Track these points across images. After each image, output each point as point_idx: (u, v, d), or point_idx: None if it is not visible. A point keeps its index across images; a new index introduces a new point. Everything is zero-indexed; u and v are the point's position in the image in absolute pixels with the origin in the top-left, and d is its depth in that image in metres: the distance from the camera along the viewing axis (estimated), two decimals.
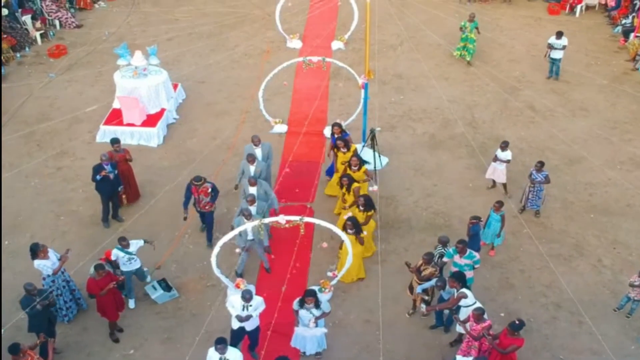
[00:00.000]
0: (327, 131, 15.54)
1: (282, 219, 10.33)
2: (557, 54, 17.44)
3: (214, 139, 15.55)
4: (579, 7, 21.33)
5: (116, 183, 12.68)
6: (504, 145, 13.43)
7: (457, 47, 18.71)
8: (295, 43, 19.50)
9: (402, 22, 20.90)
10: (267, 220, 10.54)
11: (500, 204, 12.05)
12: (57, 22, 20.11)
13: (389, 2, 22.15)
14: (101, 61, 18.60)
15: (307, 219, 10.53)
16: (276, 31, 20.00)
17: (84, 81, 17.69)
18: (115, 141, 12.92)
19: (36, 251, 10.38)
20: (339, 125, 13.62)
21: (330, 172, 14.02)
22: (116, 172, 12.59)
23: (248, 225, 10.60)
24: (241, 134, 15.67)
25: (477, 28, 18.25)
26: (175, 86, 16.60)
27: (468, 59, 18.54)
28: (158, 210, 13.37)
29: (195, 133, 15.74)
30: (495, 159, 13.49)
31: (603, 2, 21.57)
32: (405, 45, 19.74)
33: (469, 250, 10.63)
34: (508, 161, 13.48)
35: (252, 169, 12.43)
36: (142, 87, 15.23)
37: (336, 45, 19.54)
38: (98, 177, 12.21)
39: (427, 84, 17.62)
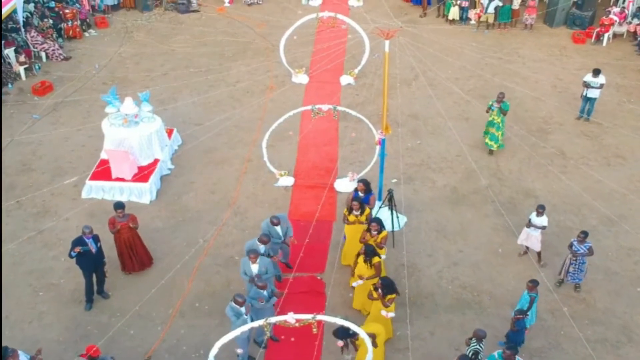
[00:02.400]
0: (341, 185, 14.05)
1: (291, 318, 8.83)
2: (593, 93, 15.89)
3: (212, 194, 14.02)
4: (605, 35, 19.80)
5: (99, 256, 11.16)
6: (541, 210, 11.90)
7: (485, 131, 15.33)
8: (301, 78, 17.98)
9: (416, 53, 19.37)
10: (274, 319, 9.01)
11: (534, 283, 10.55)
12: (43, 55, 18.59)
13: (401, 32, 20.60)
14: (90, 99, 17.07)
15: (320, 317, 9.02)
16: (280, 63, 18.52)
17: (71, 123, 16.16)
18: (119, 206, 11.34)
19: (6, 356, 8.90)
20: (366, 183, 12.12)
21: None
22: (99, 244, 11.08)
23: (252, 325, 9.08)
24: (242, 188, 14.15)
25: (504, 112, 14.74)
26: (170, 132, 15.08)
27: (493, 147, 15.03)
28: (149, 283, 11.85)
29: (192, 186, 14.21)
30: (529, 224, 11.97)
31: (632, 30, 20.03)
32: (420, 80, 18.21)
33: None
34: (544, 227, 11.96)
35: (262, 248, 10.86)
36: (133, 137, 13.71)
37: (346, 80, 18.03)
38: (72, 253, 10.71)
39: (446, 126, 16.08)
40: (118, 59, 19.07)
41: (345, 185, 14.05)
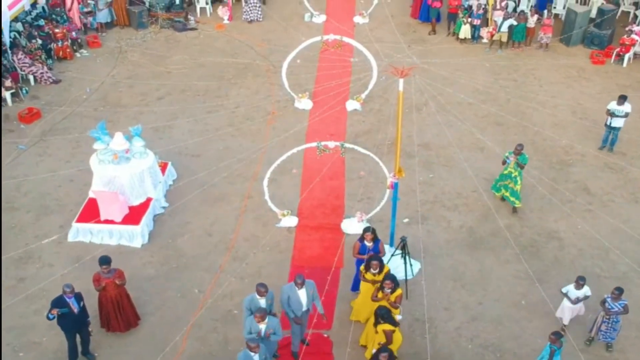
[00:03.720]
0: (349, 226, 13.00)
1: None
2: (618, 122, 14.81)
3: (209, 236, 12.97)
4: (626, 56, 18.72)
5: (82, 316, 10.10)
6: (582, 282, 10.67)
7: (495, 184, 13.72)
8: (304, 103, 16.92)
9: (425, 74, 18.30)
10: None
11: (557, 335, 9.57)
12: (31, 78, 17.53)
13: (407, 48, 19.58)
14: (80, 127, 16.02)
15: None
16: (283, 86, 17.48)
17: (59, 155, 15.12)
18: (104, 261, 10.23)
19: None
20: (372, 231, 11.05)
21: (355, 286, 11.45)
22: (82, 303, 10.02)
23: None
24: (242, 229, 13.11)
25: (522, 165, 12.99)
26: (164, 166, 14.03)
27: (516, 204, 13.35)
28: (139, 342, 10.81)
29: (188, 227, 13.16)
30: (571, 300, 10.73)
31: None
32: (431, 105, 17.13)
33: None
34: (587, 297, 10.85)
35: (262, 301, 9.77)
36: (124, 175, 12.67)
37: (352, 105, 16.95)
38: (50, 316, 9.67)
39: (460, 157, 15.00)
40: (111, 81, 18.01)
41: (354, 226, 12.99)
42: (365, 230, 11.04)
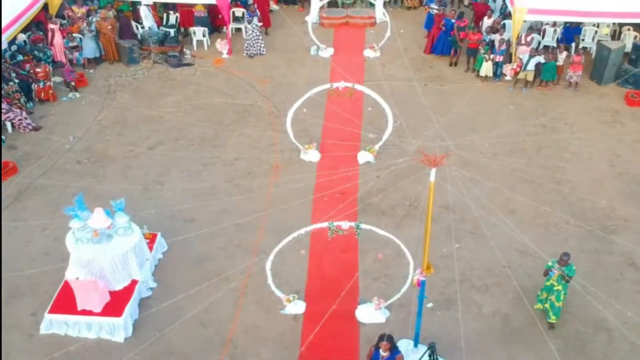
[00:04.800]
0: (364, 314, 11.25)
1: None
2: None
3: (203, 327, 11.22)
4: None
5: None
6: None
7: (539, 297, 11.34)
8: (311, 155, 15.18)
9: (443, 120, 16.61)
10: None
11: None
12: (8, 125, 15.82)
13: (421, 90, 17.82)
14: (61, 184, 14.31)
15: None
16: (287, 133, 15.81)
17: (35, 220, 13.37)
18: None
19: None
20: (389, 339, 9.31)
21: None
22: None
23: None
24: (241, 316, 11.38)
25: (567, 278, 10.72)
26: (153, 238, 12.30)
27: (551, 319, 11.12)
28: None
29: (178, 314, 11.35)
30: None
31: None
32: (452, 156, 15.40)
33: None
34: None
35: None
36: (105, 257, 10.94)
37: (364, 157, 15.20)
38: None
39: (489, 222, 13.22)
40: (97, 127, 16.29)
41: (370, 314, 11.25)
42: (380, 339, 9.30)
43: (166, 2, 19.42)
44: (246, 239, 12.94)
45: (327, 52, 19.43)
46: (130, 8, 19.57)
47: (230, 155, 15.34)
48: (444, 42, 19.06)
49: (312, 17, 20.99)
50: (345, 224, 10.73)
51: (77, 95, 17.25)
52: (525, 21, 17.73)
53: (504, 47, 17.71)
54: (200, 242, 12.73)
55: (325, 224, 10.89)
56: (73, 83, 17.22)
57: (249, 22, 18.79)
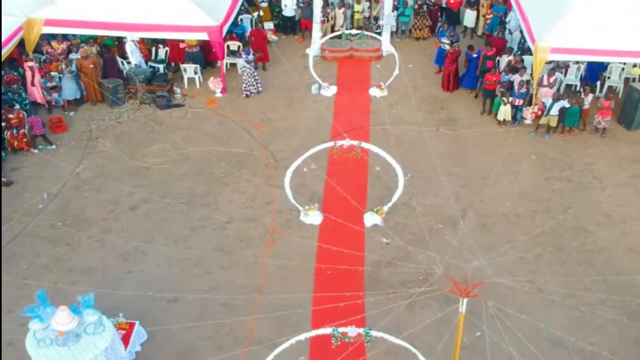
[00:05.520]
0: None
1: None
2: None
3: None
4: None
5: None
6: None
7: None
8: (312, 217, 13.58)
9: (458, 172, 15.01)
10: None
11: None
12: None
13: (433, 136, 16.20)
14: (30, 252, 12.75)
15: None
16: (284, 190, 14.29)
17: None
18: None
19: None
20: None
21: None
22: None
23: None
24: None
25: None
26: (129, 329, 10.67)
27: None
28: None
29: None
30: None
31: None
32: (470, 217, 13.80)
33: None
34: None
35: None
36: None
37: (371, 219, 13.58)
38: None
39: (515, 302, 11.63)
40: (75, 182, 14.67)
41: None
42: None
43: (154, 37, 17.80)
44: (237, 325, 11.31)
45: (330, 91, 17.81)
46: (116, 42, 17.97)
47: (222, 217, 13.72)
48: (472, 76, 17.48)
49: (314, 49, 19.40)
50: (352, 330, 9.12)
51: (50, 147, 15.57)
52: (548, 63, 16.12)
53: (524, 89, 16.09)
54: (184, 331, 11.13)
55: (328, 330, 9.27)
56: (42, 136, 15.48)
57: (248, 62, 17.20)
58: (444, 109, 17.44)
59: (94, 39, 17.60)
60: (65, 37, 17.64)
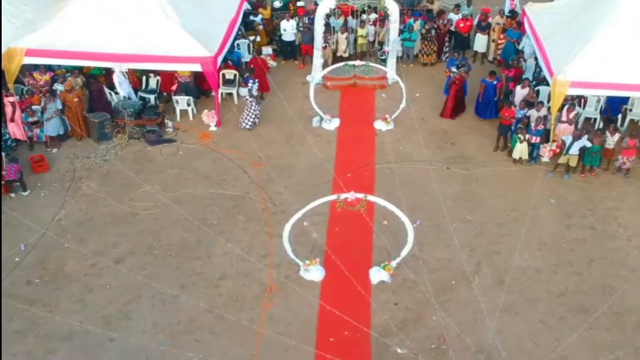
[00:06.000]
0: None
1: None
2: None
3: None
4: None
5: None
6: None
7: None
8: (313, 273, 12.42)
9: (471, 218, 13.87)
10: None
11: None
12: None
13: (443, 176, 15.06)
14: (5, 314, 11.55)
15: None
16: (283, 238, 13.17)
17: None
18: None
19: None
20: None
21: None
22: None
23: None
24: None
25: None
26: None
27: None
28: None
29: None
30: None
31: None
32: (485, 272, 12.64)
33: None
34: None
35: None
36: None
37: (378, 276, 12.41)
38: None
39: None
40: (56, 230, 13.50)
41: None
42: None
43: (144, 68, 16.67)
44: None
45: (332, 124, 16.66)
46: (103, 72, 16.82)
47: (215, 273, 12.57)
48: (493, 105, 16.38)
49: (315, 77, 18.26)
50: None
51: (24, 193, 14.38)
52: (568, 99, 14.98)
53: (541, 127, 14.94)
54: None
55: None
56: (18, 180, 14.29)
57: (252, 96, 16.14)
58: (455, 144, 16.29)
59: (79, 70, 16.46)
60: (49, 67, 16.48)
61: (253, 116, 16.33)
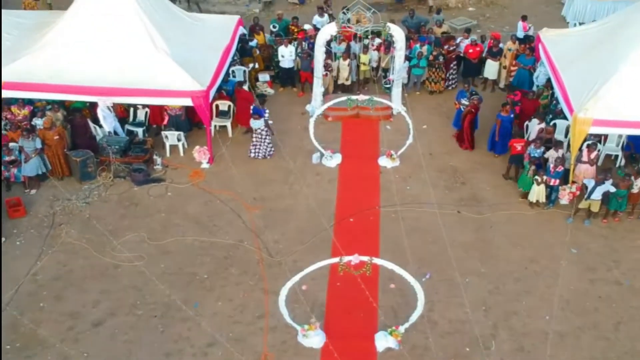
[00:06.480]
0: None
1: None
2: None
3: None
4: None
5: None
6: None
7: None
8: (312, 339, 11.21)
9: (485, 271, 12.70)
10: None
11: None
12: None
13: (453, 220, 13.91)
14: None
15: None
16: (278, 294, 12.00)
17: None
18: None
19: None
20: None
21: None
22: None
23: None
24: None
25: None
26: None
27: None
28: None
29: None
30: None
31: None
32: (503, 336, 11.43)
33: None
34: None
35: None
36: None
37: (384, 342, 11.21)
38: None
39: None
40: (31, 287, 12.31)
41: None
42: None
43: (131, 103, 15.52)
44: None
45: (334, 161, 15.47)
46: (87, 105, 15.62)
47: (203, 338, 11.37)
48: (510, 139, 15.19)
49: (315, 110, 17.08)
50: None
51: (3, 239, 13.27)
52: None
53: (560, 168, 13.75)
54: None
55: None
56: None
57: (268, 128, 15.30)
58: (465, 184, 15.09)
59: (60, 103, 15.27)
60: (28, 100, 15.31)
61: (266, 147, 15.28)
